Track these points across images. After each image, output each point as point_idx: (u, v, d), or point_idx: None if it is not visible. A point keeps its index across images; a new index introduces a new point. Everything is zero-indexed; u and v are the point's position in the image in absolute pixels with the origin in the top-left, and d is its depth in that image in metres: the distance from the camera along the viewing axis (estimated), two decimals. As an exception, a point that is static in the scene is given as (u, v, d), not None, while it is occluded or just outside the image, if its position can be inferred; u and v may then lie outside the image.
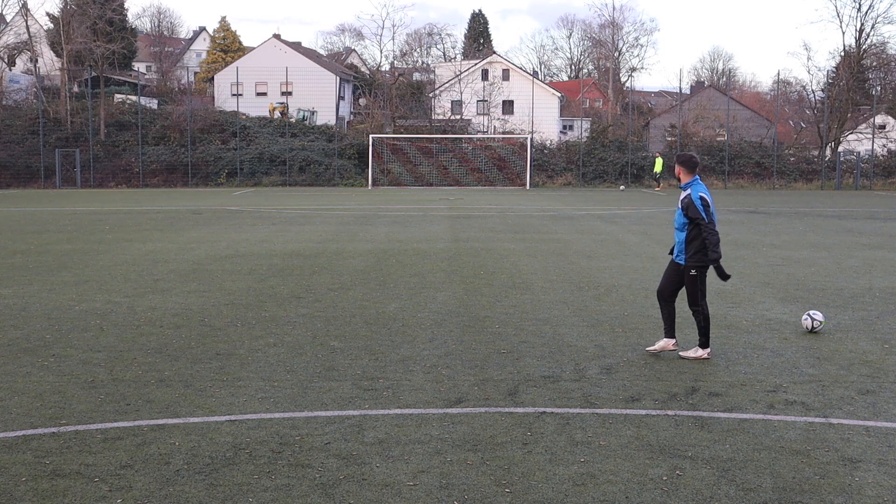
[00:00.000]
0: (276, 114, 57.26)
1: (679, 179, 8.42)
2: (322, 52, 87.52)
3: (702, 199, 8.16)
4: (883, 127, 55.55)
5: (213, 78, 67.49)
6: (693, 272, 8.27)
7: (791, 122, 68.56)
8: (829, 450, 5.80)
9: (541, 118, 57.50)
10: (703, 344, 8.34)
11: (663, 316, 8.52)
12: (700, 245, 8.20)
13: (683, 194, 8.31)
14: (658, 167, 47.46)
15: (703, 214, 8.10)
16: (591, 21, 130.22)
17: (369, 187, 47.95)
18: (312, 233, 20.85)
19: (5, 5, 79.46)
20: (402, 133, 52.53)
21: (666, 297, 8.49)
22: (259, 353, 8.47)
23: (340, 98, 65.33)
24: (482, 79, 63.40)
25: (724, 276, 8.30)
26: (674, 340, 8.47)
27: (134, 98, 55.21)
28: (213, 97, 63.26)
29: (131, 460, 5.56)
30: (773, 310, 10.84)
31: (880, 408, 6.76)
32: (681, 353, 8.39)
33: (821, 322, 9.43)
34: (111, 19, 58.65)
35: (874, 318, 10.35)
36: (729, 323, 9.99)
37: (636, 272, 14.12)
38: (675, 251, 8.46)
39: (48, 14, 69.02)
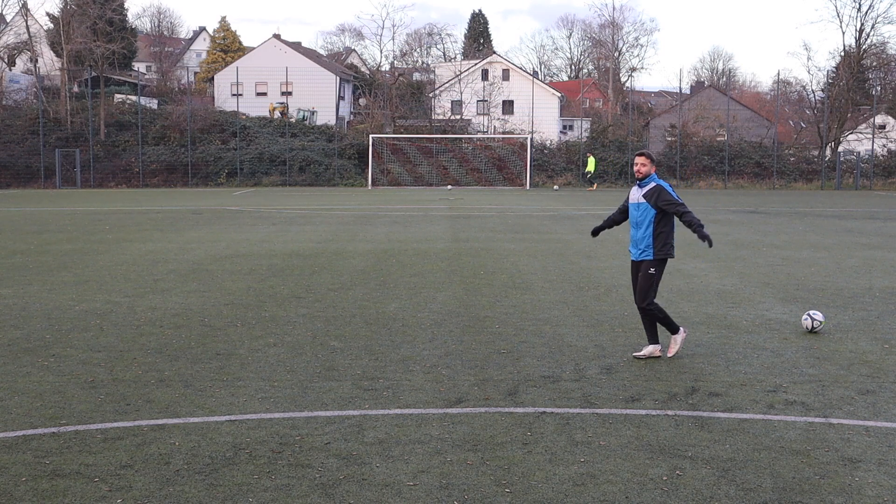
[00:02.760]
0: (276, 114, 57.27)
1: (639, 175, 8.24)
2: (322, 52, 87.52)
3: (671, 186, 8.15)
4: (883, 127, 55.57)
5: (213, 78, 67.50)
6: (652, 270, 8.14)
7: (791, 122, 68.55)
8: (829, 450, 5.80)
9: (541, 118, 57.50)
10: (674, 329, 8.28)
11: (645, 324, 8.36)
12: (667, 237, 8.11)
13: (646, 188, 8.15)
14: (591, 167, 47.19)
15: (677, 197, 8.06)
16: (591, 21, 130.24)
17: (369, 187, 47.96)
18: (312, 233, 20.85)
19: (5, 5, 79.55)
20: (402, 133, 52.54)
21: None
22: (259, 353, 8.47)
23: (340, 98, 65.33)
24: (482, 79, 63.39)
25: (709, 240, 7.99)
26: (660, 346, 8.36)
27: (134, 98, 55.25)
28: (213, 97, 63.26)
29: (131, 460, 5.56)
30: (773, 310, 10.84)
31: (880, 408, 6.76)
32: (668, 353, 8.33)
33: (821, 322, 9.42)
34: (111, 19, 58.66)
35: (874, 318, 10.35)
36: (729, 323, 9.99)
37: (636, 272, 14.10)
38: (639, 249, 8.23)
39: (48, 14, 69.12)
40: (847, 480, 5.27)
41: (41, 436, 6.03)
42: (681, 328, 8.35)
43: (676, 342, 8.31)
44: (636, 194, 8.30)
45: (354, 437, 6.02)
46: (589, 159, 47.55)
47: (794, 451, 5.78)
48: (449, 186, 48.02)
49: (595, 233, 8.91)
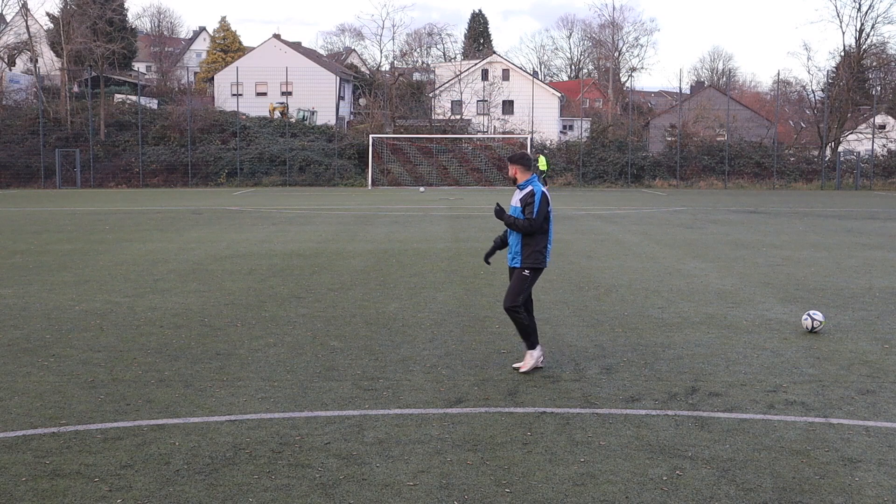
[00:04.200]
0: (276, 114, 57.28)
1: (515, 180, 8.01)
2: (322, 52, 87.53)
3: (543, 195, 7.75)
4: (883, 127, 55.59)
5: (213, 78, 67.52)
6: (526, 272, 7.75)
7: (791, 122, 68.57)
8: (829, 450, 5.80)
9: (541, 118, 57.52)
10: (532, 345, 7.77)
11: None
12: (536, 245, 7.72)
13: (522, 193, 7.87)
14: (542, 165, 47.10)
15: (536, 211, 7.65)
16: (591, 21, 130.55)
17: (369, 187, 47.95)
18: (312, 233, 20.85)
19: (5, 5, 79.58)
20: (402, 133, 52.54)
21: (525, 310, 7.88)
22: (259, 353, 8.47)
23: (340, 98, 65.33)
24: (482, 79, 63.38)
25: (494, 249, 8.06)
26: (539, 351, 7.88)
27: (134, 98, 55.25)
28: (213, 97, 63.28)
29: (131, 460, 5.56)
30: (773, 310, 10.83)
31: (880, 408, 6.76)
32: (519, 368, 7.78)
33: (821, 322, 9.43)
34: (111, 19, 58.72)
35: (874, 318, 10.35)
36: (729, 323, 9.99)
37: (636, 272, 14.11)
38: (511, 255, 7.90)
39: (48, 14, 69.10)
40: (847, 480, 5.27)
41: (41, 436, 6.03)
42: (539, 348, 7.80)
43: (533, 357, 7.76)
44: (514, 198, 8.00)
45: (354, 437, 6.02)
46: (540, 158, 47.62)
47: (794, 451, 5.78)
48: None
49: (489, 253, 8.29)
